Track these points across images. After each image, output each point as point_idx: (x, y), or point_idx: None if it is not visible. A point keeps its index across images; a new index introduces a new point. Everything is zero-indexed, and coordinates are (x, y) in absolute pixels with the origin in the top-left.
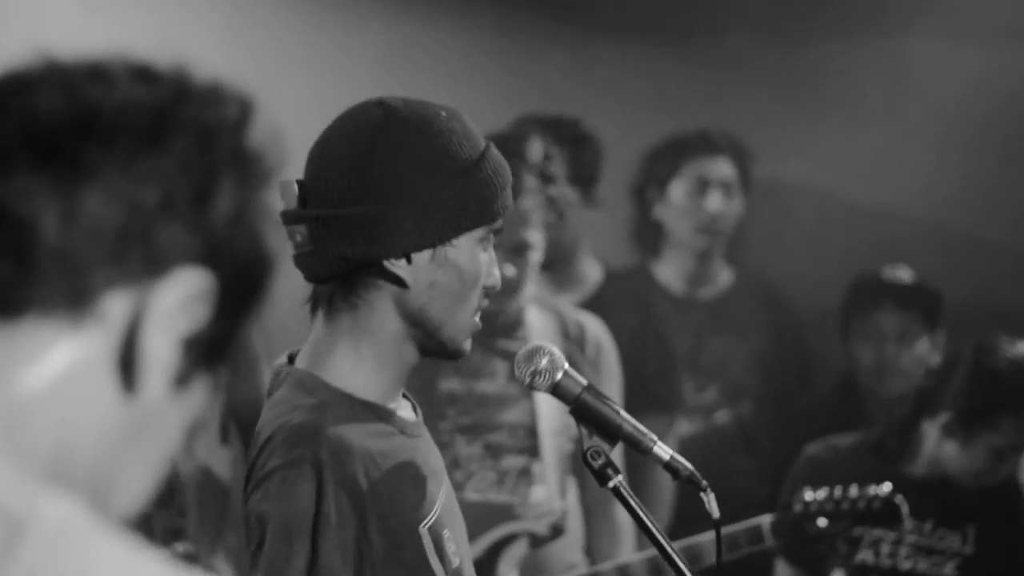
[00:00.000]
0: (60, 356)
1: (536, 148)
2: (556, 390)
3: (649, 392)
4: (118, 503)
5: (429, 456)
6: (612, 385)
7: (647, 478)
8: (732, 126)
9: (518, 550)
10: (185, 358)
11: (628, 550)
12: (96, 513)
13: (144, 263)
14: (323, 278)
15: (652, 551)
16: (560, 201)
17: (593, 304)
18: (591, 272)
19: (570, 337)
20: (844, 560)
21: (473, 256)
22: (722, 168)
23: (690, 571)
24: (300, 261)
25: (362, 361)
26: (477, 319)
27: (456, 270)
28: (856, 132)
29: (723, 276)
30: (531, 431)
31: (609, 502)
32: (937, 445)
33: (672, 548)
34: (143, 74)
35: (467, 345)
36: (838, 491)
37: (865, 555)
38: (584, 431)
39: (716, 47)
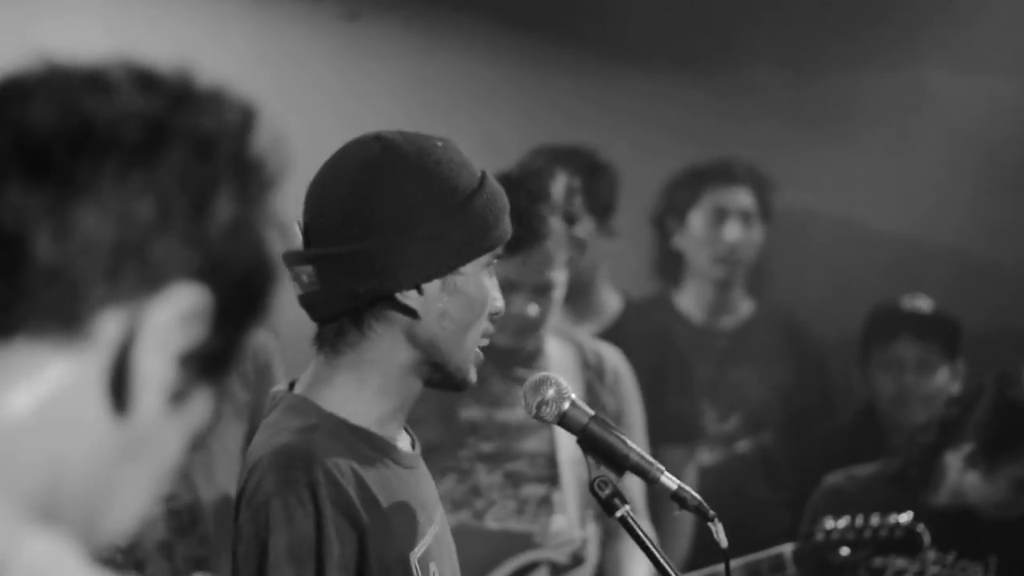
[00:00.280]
0: (51, 379)
1: (559, 187)
2: (563, 420)
3: (670, 422)
4: (114, 524)
5: (422, 489)
6: (633, 414)
7: (668, 506)
8: (753, 155)
9: None
10: (182, 374)
11: None
12: (87, 537)
13: (139, 280)
14: (333, 316)
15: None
16: (584, 240)
17: (612, 334)
18: (610, 302)
19: (589, 366)
20: None
21: (480, 283)
22: (741, 198)
23: None
24: (307, 300)
25: (364, 389)
26: (482, 347)
27: (465, 298)
28: (876, 161)
29: (744, 306)
30: (551, 460)
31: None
32: (959, 475)
33: None
34: (143, 80)
35: (473, 375)
36: (860, 520)
37: None
38: (591, 461)
39: (737, 77)
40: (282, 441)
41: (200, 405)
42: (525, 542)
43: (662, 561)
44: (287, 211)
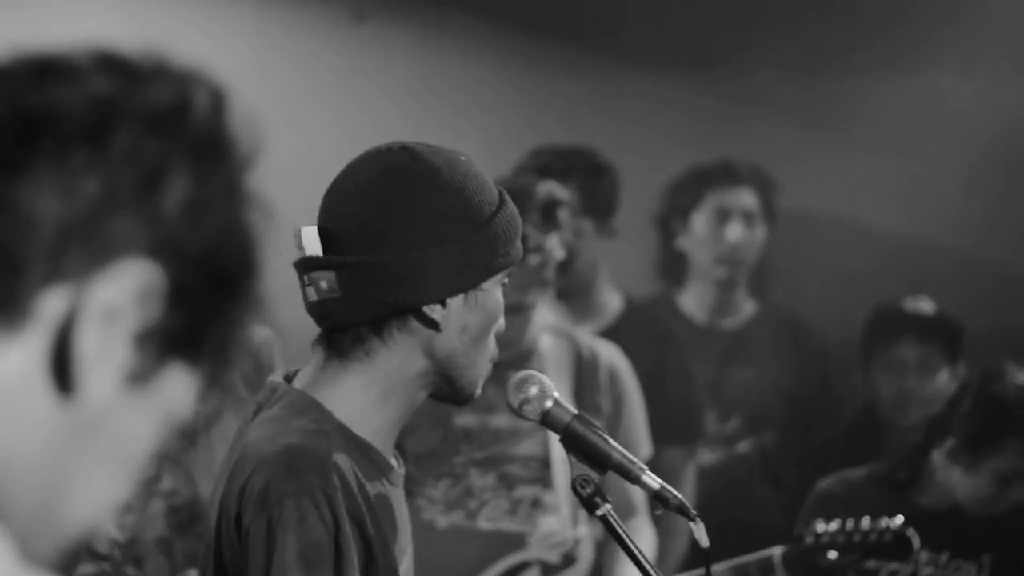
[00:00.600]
0: None
1: (534, 219)
2: (545, 418)
3: (671, 422)
4: (76, 514)
5: (403, 508)
6: (631, 411)
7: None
8: (758, 158)
9: None
10: (142, 353)
11: None
12: (45, 529)
13: (85, 258)
14: (353, 324)
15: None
16: (564, 261)
17: (612, 334)
18: (611, 302)
19: (583, 364)
20: None
21: (496, 299)
22: (744, 198)
23: None
24: (324, 307)
25: (369, 397)
26: (492, 363)
27: (484, 313)
28: (880, 163)
29: (747, 307)
30: (544, 462)
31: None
32: (945, 473)
33: None
34: (108, 63)
35: (479, 390)
36: (850, 523)
37: None
38: (573, 459)
39: (743, 80)
40: (293, 441)
41: (174, 386)
42: (517, 542)
43: (642, 560)
44: (267, 191)
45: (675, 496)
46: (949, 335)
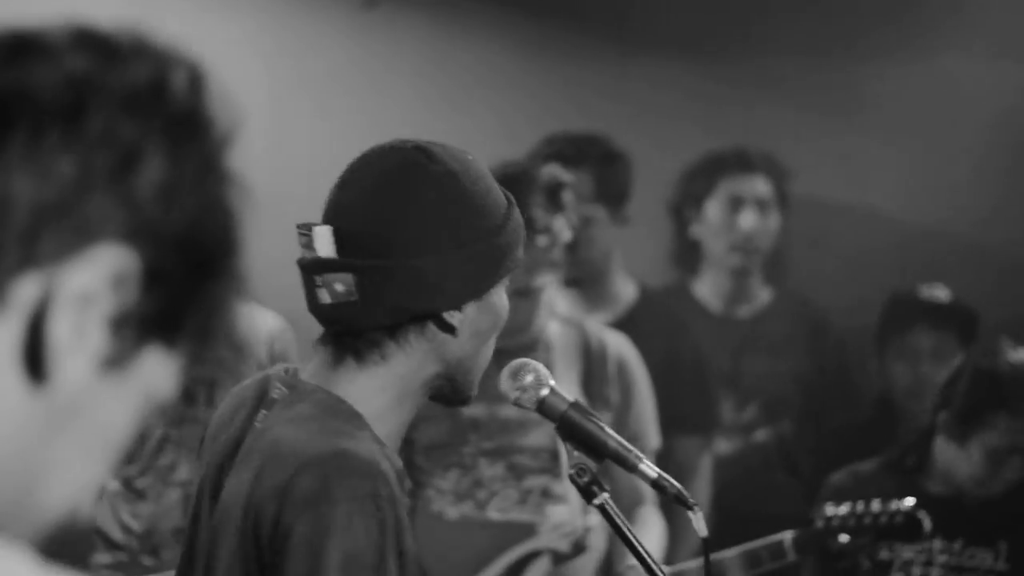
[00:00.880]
0: None
1: (539, 200)
2: (541, 407)
3: (686, 411)
4: (54, 500)
5: None
6: (640, 402)
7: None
8: (770, 144)
9: (540, 568)
10: (118, 338)
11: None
12: (22, 516)
13: (60, 242)
14: (369, 328)
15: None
16: (569, 242)
17: (627, 323)
18: (625, 290)
19: (592, 354)
20: None
21: (503, 300)
22: (757, 186)
23: None
24: (339, 311)
25: (384, 401)
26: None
27: (493, 315)
28: (896, 150)
29: (762, 294)
30: (553, 454)
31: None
32: (943, 452)
33: (660, 569)
34: (84, 40)
35: (475, 392)
36: (860, 506)
37: None
38: (569, 448)
39: (756, 66)
40: (341, 444)
41: (152, 369)
42: (527, 532)
43: (639, 548)
44: (279, 180)
45: (672, 485)
46: (964, 322)
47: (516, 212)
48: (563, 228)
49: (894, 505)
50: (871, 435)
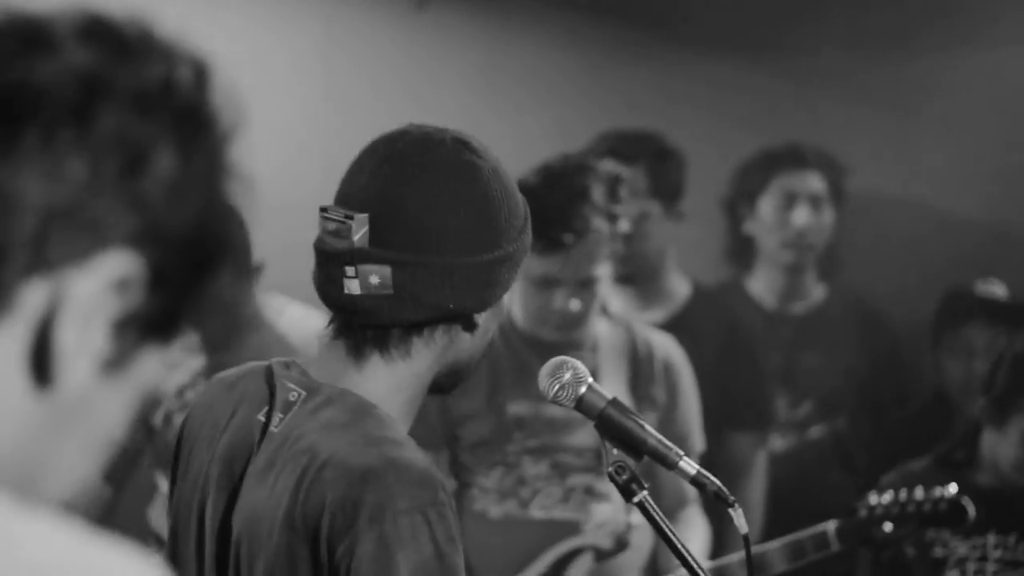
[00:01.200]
0: None
1: (600, 180)
2: (580, 404)
3: (741, 408)
4: (52, 488)
5: None
6: (686, 403)
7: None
8: (825, 140)
9: (583, 565)
10: (119, 341)
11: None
12: (23, 497)
13: (67, 246)
14: (398, 323)
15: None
16: (628, 233)
17: (681, 320)
18: (679, 288)
19: (638, 353)
20: None
21: (505, 298)
22: (811, 182)
23: None
24: (369, 303)
25: (402, 400)
26: None
27: (499, 313)
28: (950, 144)
29: (816, 291)
30: (597, 452)
31: (676, 517)
32: (987, 441)
33: (699, 566)
34: (88, 32)
35: None
36: (903, 494)
37: None
38: (608, 446)
39: (810, 62)
40: (393, 454)
41: (147, 366)
42: (571, 530)
43: (679, 547)
44: (248, 165)
45: (712, 482)
46: (1019, 319)
47: (528, 208)
48: (622, 217)
49: (938, 492)
50: (926, 430)
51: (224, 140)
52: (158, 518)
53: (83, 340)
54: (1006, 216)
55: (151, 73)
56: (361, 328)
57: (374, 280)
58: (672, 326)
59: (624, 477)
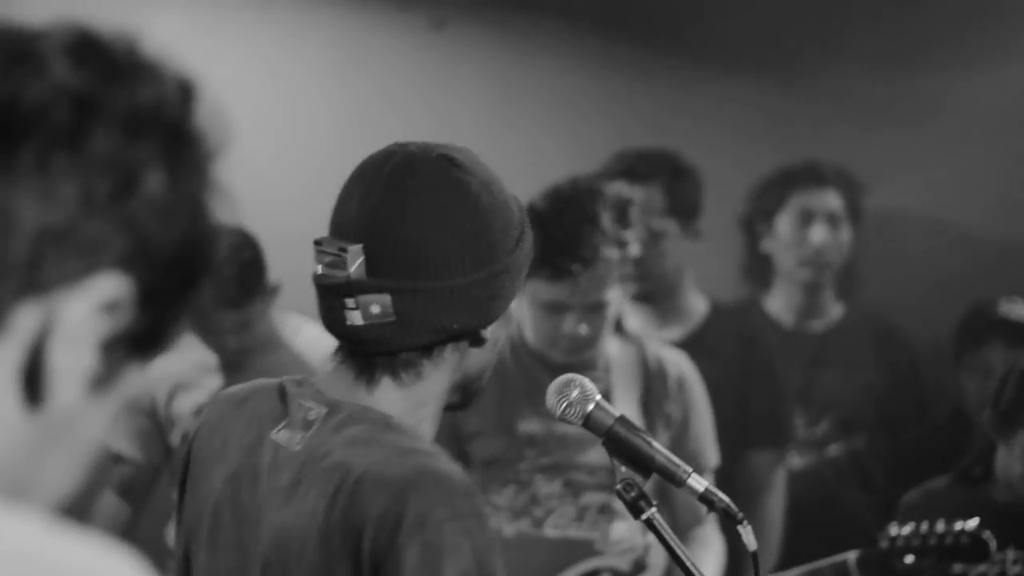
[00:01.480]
0: None
1: (608, 206)
2: (587, 422)
3: (759, 426)
4: (37, 499)
5: None
6: (699, 420)
7: (755, 514)
8: (842, 158)
9: None
10: (106, 360)
11: None
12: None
13: (60, 268)
14: (406, 348)
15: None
16: (637, 257)
17: (698, 338)
18: (696, 306)
19: (650, 371)
20: None
21: (512, 307)
22: (828, 200)
23: None
24: (373, 332)
25: (419, 418)
26: None
27: (508, 323)
28: (969, 161)
29: (834, 309)
30: (610, 470)
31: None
32: (999, 457)
33: None
34: (77, 51)
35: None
36: (924, 526)
37: None
38: (616, 463)
39: (826, 79)
40: (428, 465)
41: (128, 383)
42: (585, 549)
43: (688, 565)
44: (230, 183)
45: (721, 499)
46: None
47: (525, 213)
48: (632, 243)
49: (959, 525)
50: (945, 448)
51: (210, 159)
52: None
53: (73, 361)
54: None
55: (142, 93)
56: (368, 356)
57: (375, 309)
58: (690, 344)
59: (632, 494)
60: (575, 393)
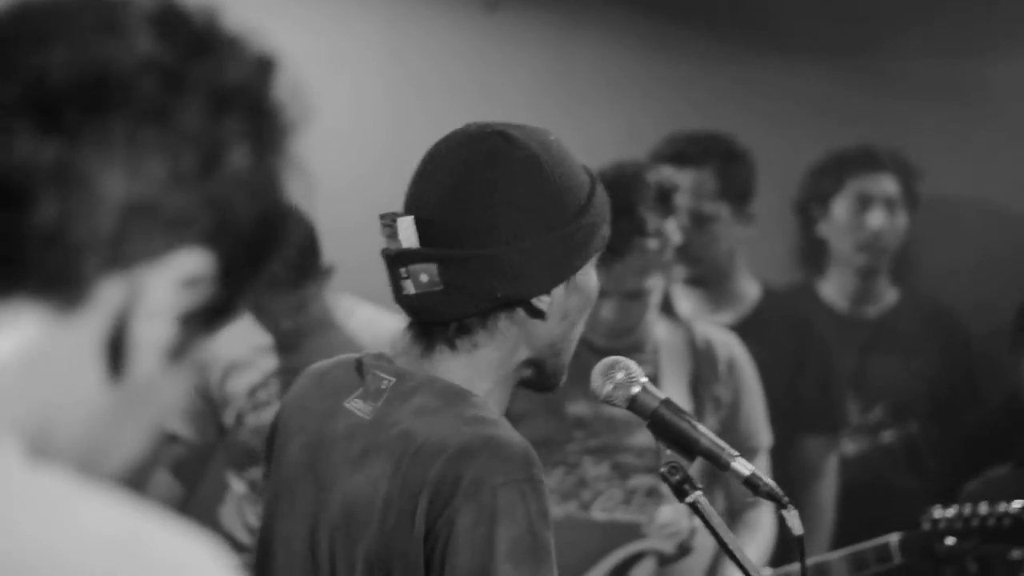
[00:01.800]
0: (40, 337)
1: (649, 205)
2: (632, 404)
3: (812, 411)
4: (111, 466)
5: None
6: (751, 400)
7: (807, 500)
8: (898, 142)
9: (646, 569)
10: (183, 332)
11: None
12: (85, 476)
13: (145, 243)
14: (456, 317)
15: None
16: (677, 244)
17: (751, 323)
18: (749, 290)
19: (699, 353)
20: None
21: (592, 278)
22: (885, 185)
23: None
24: (424, 301)
25: (486, 387)
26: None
27: (583, 295)
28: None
29: (889, 294)
30: (659, 453)
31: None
32: None
33: (753, 568)
34: (160, 23)
35: (565, 377)
36: (967, 509)
37: None
38: (662, 446)
39: (881, 64)
40: (488, 432)
41: (200, 351)
42: (632, 532)
43: (732, 549)
44: (308, 159)
45: (765, 483)
46: None
47: (600, 189)
48: (674, 231)
49: (1002, 507)
50: (1000, 435)
51: (290, 136)
52: (229, 517)
53: (154, 334)
54: None
55: (226, 68)
56: (426, 324)
57: (424, 278)
58: (742, 328)
59: (676, 477)
60: (620, 375)
